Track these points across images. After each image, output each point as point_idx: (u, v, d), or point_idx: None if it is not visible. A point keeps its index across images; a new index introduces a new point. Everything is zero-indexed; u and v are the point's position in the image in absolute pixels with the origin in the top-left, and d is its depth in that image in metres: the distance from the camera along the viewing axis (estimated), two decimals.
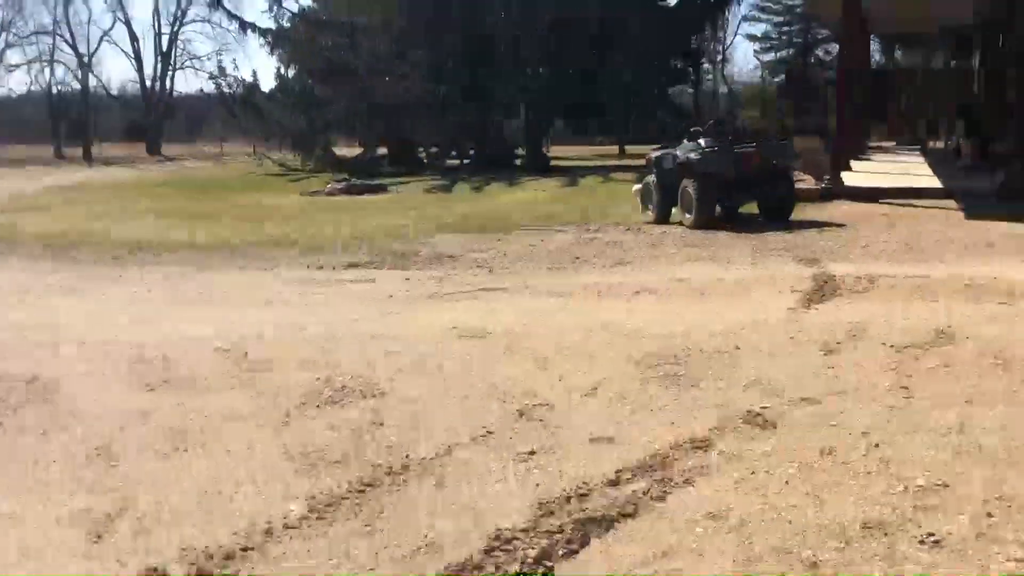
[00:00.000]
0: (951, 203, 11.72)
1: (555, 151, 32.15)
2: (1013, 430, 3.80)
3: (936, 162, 16.93)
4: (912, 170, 15.74)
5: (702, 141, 11.31)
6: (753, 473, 3.57)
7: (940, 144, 21.98)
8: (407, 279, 8.69)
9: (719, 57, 56.33)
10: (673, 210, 11.42)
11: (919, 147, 22.66)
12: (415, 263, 9.63)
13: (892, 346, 5.12)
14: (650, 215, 11.76)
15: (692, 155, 10.72)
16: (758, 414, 4.19)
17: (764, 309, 6.25)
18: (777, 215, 10.81)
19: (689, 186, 10.68)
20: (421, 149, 30.19)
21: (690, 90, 50.20)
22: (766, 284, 7.14)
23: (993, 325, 5.47)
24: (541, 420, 4.34)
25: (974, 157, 15.27)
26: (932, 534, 3.00)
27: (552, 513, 3.36)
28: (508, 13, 28.32)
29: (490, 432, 4.21)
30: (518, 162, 28.14)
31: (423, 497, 3.57)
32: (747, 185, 10.83)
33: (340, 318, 6.87)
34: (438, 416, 4.48)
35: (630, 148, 42.41)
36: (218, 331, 6.57)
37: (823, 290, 6.74)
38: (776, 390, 4.52)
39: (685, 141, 11.61)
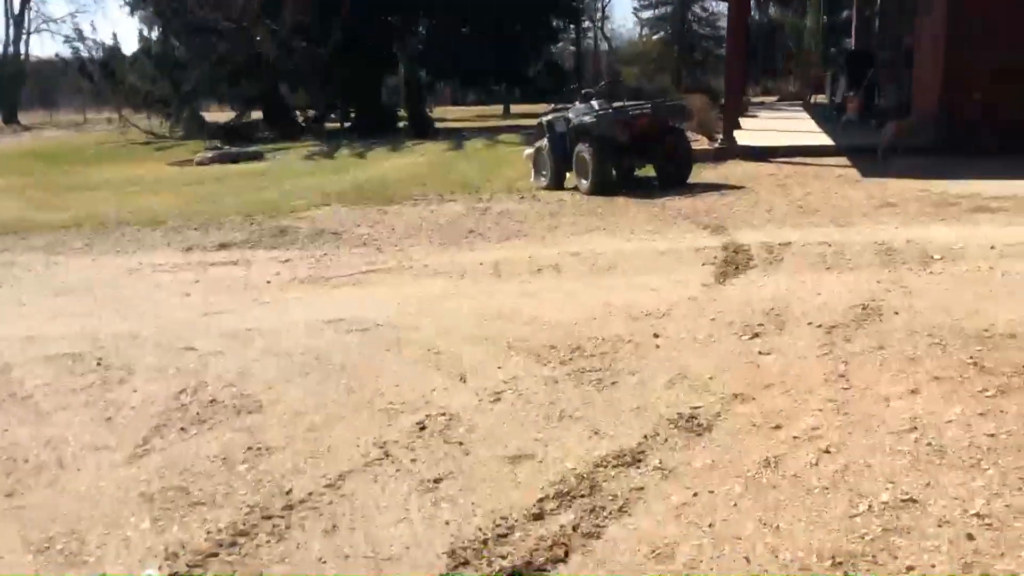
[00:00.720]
0: (843, 160, 11.61)
1: (437, 112, 31.26)
2: (969, 426, 3.43)
3: (821, 118, 16.97)
4: (799, 127, 15.69)
5: (595, 103, 10.83)
6: (695, 495, 3.10)
7: (822, 99, 22.21)
8: (286, 261, 7.95)
9: (599, 15, 56.20)
10: (567, 175, 10.94)
11: (801, 103, 22.87)
12: (295, 241, 8.87)
13: (819, 326, 4.74)
14: (543, 181, 11.25)
15: (586, 118, 10.22)
16: (690, 417, 3.72)
17: (676, 287, 5.82)
18: (675, 178, 10.44)
19: (584, 151, 10.19)
20: (299, 113, 28.91)
21: (572, 48, 49.97)
22: (674, 257, 6.71)
23: (918, 296, 5.17)
24: (444, 435, 3.77)
25: (859, 112, 15.30)
26: (911, 568, 2.59)
27: (467, 562, 2.82)
28: None
29: (387, 454, 3.62)
30: (401, 125, 27.21)
31: (310, 549, 2.97)
32: (643, 148, 10.41)
33: (211, 311, 6.12)
34: (325, 435, 3.86)
35: (515, 108, 41.96)
36: (66, 331, 5.75)
37: (735, 262, 6.35)
38: (704, 386, 4.07)
39: (577, 103, 11.12)
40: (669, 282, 5.95)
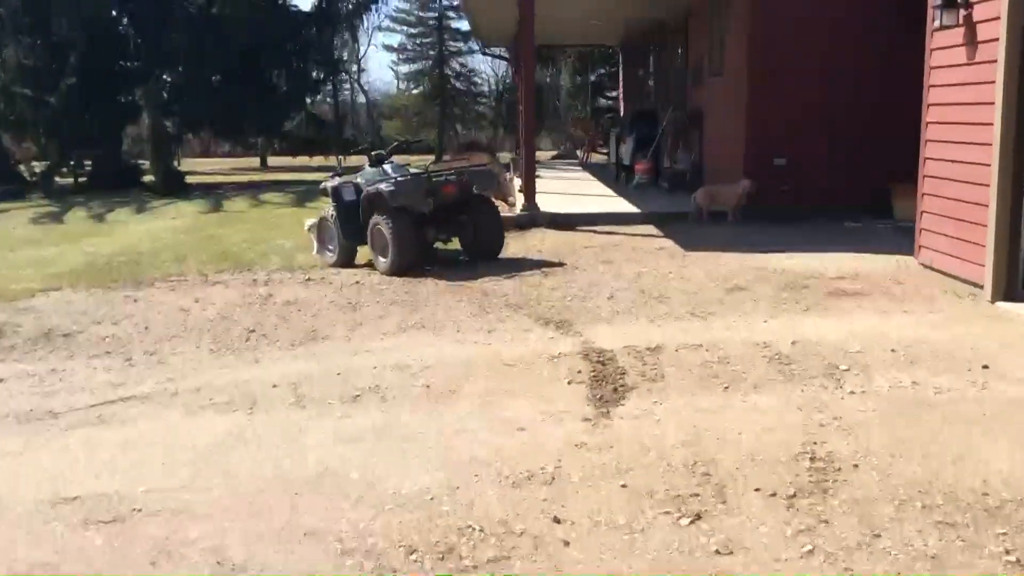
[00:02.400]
0: (653, 229, 10.84)
1: (187, 165, 28.48)
2: None
3: (608, 180, 16.45)
4: (592, 190, 15.00)
5: (388, 167, 9.38)
6: None
7: (597, 159, 21.98)
8: None
9: (355, 67, 54.78)
10: (360, 249, 9.41)
11: (578, 162, 22.54)
12: (11, 348, 6.74)
13: (772, 494, 3.52)
14: (331, 257, 9.62)
15: (382, 186, 8.71)
16: None
17: (551, 423, 4.44)
18: (485, 252, 9.14)
19: (381, 224, 8.67)
20: (23, 167, 25.33)
21: (329, 100, 48.33)
22: (528, 371, 5.34)
23: (863, 434, 4.09)
24: None
25: (649, 174, 14.82)
26: None
27: None
28: (130, 5, 24.57)
29: None
30: (146, 179, 24.42)
31: None
32: (448, 219, 9.06)
33: None
34: None
35: (273, 160, 39.60)
36: None
37: (607, 378, 5.07)
38: None
39: (367, 167, 9.61)
40: (538, 414, 4.56)
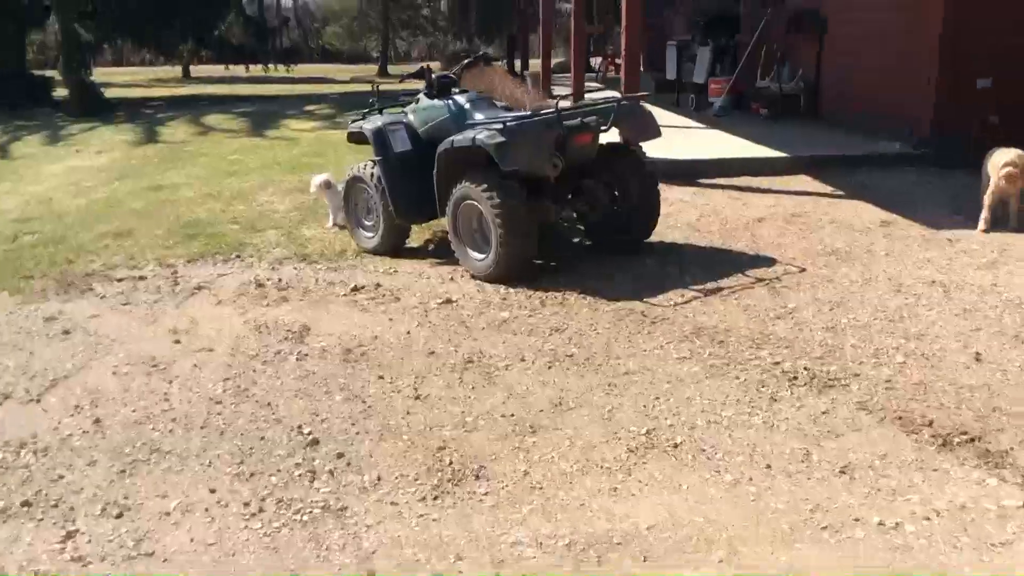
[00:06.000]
0: (819, 184, 7.59)
1: (99, 75, 23.72)
2: None
3: (661, 101, 13.00)
4: (661, 119, 11.53)
5: (462, 99, 5.83)
6: None
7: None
8: None
9: None
10: (413, 228, 5.96)
11: (595, 77, 18.94)
12: None
13: None
14: (369, 240, 6.15)
15: (483, 136, 5.16)
16: None
17: None
18: (630, 238, 5.78)
19: (478, 197, 5.18)
20: None
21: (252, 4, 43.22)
22: None
23: None
24: None
25: (732, 96, 11.45)
26: None
27: None
28: None
29: None
30: (57, 95, 20.12)
31: None
32: (573, 185, 5.64)
33: None
34: None
35: (196, 69, 35.09)
36: None
37: None
38: None
39: (422, 97, 6.05)
40: None
